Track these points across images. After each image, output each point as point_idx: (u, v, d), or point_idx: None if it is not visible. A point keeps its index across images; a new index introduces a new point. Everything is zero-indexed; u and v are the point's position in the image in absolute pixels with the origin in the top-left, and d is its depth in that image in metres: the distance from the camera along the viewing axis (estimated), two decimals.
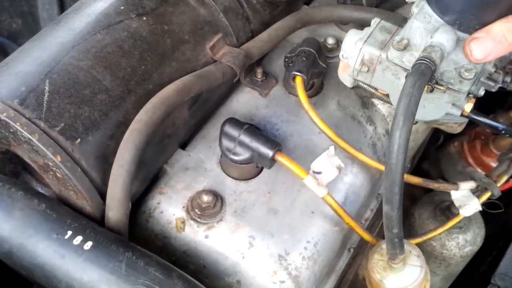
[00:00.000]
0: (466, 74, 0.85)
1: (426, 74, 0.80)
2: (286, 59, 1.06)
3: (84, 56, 0.85)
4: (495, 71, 0.93)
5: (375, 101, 1.14)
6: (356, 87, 1.09)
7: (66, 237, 0.76)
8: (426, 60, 0.81)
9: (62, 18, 0.93)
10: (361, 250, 1.19)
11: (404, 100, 0.78)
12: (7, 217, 0.78)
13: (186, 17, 0.97)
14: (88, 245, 0.75)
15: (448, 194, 1.31)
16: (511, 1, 0.83)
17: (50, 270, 0.76)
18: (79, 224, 0.78)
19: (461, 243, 1.28)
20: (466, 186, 1.12)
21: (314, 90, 1.10)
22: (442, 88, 0.85)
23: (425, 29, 0.89)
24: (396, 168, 0.79)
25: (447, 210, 1.26)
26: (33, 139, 0.77)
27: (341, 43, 1.03)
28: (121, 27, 0.90)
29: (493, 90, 0.95)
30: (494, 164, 1.41)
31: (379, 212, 1.19)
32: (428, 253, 1.29)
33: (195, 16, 0.98)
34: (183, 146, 1.03)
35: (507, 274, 1.43)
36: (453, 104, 0.94)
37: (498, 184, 1.11)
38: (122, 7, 0.92)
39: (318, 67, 1.05)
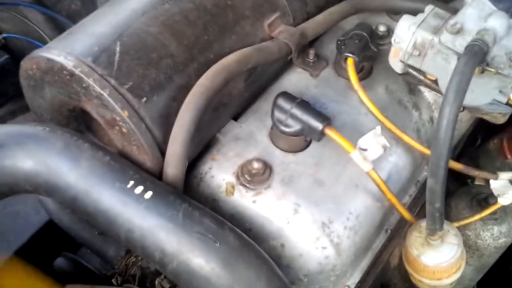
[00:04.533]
0: None
1: (478, 55, 0.83)
2: (339, 42, 1.10)
3: (153, 23, 0.91)
4: None
5: (422, 88, 1.17)
6: (404, 74, 1.13)
7: (128, 186, 0.82)
8: (479, 42, 0.84)
9: None
10: (397, 234, 1.22)
11: (456, 78, 0.81)
12: (74, 165, 0.84)
13: None
14: (148, 194, 0.81)
15: (485, 187, 1.34)
16: None
17: (113, 216, 0.81)
18: (140, 176, 0.83)
19: (495, 234, 1.29)
20: (506, 176, 1.14)
21: (364, 74, 1.13)
22: (492, 70, 0.88)
23: (479, 16, 0.92)
24: (443, 142, 0.82)
25: (484, 201, 1.27)
26: (104, 93, 0.83)
27: (392, 31, 1.07)
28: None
29: None
30: None
31: (416, 199, 1.22)
32: (463, 242, 1.31)
33: None
34: (235, 118, 1.08)
35: None
36: (500, 91, 0.97)
37: None
38: None
39: (370, 51, 1.09)
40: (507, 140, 1.47)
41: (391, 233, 1.17)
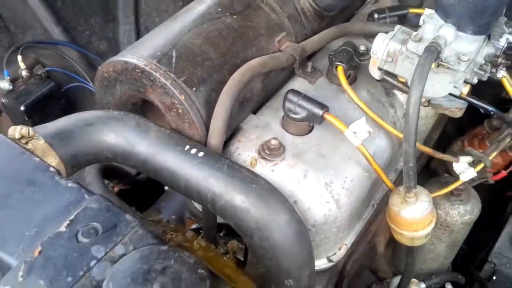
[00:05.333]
0: (463, 57, 1.22)
1: (434, 52, 1.17)
2: (330, 56, 1.44)
3: (197, 37, 1.24)
4: (484, 63, 1.31)
5: (396, 91, 1.51)
6: (381, 80, 1.46)
7: (186, 149, 1.12)
8: (434, 44, 1.18)
9: (178, 15, 1.33)
10: (382, 211, 1.52)
11: (419, 68, 1.15)
12: (144, 136, 1.14)
13: (262, 18, 1.36)
14: (201, 154, 1.11)
15: (450, 177, 1.66)
16: (492, 9, 1.21)
17: (174, 171, 1.11)
18: (193, 143, 1.14)
19: (461, 212, 1.60)
20: (465, 160, 1.47)
21: (350, 80, 1.46)
22: (445, 64, 1.22)
23: (434, 28, 1.27)
24: (412, 116, 1.14)
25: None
26: (167, 83, 1.14)
27: (369, 50, 1.40)
28: (220, 21, 1.30)
29: (484, 79, 1.32)
30: None
31: (395, 185, 1.53)
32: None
33: (268, 19, 1.38)
34: (253, 113, 1.39)
35: (501, 253, 1.76)
36: (454, 86, 1.30)
37: (490, 158, 1.46)
38: (219, 9, 1.32)
39: (354, 62, 1.43)
40: (467, 141, 1.80)
41: (377, 208, 1.48)
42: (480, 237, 1.82)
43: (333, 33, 1.50)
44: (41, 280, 0.82)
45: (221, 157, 1.12)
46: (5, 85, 1.95)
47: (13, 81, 1.99)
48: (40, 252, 0.85)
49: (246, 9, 1.35)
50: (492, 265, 1.78)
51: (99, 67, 1.23)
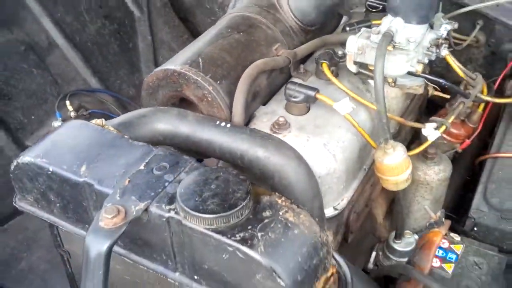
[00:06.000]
0: (411, 39, 1.67)
1: (388, 36, 1.61)
2: (316, 58, 1.88)
3: (215, 48, 1.70)
4: (430, 46, 1.75)
5: (370, 81, 1.93)
6: (358, 73, 1.89)
7: (217, 123, 1.53)
8: (388, 31, 1.63)
9: (197, 39, 1.79)
10: (373, 175, 1.91)
11: (379, 48, 1.59)
12: (184, 120, 1.54)
13: (261, 34, 1.82)
14: (228, 125, 1.52)
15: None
16: (428, 3, 1.67)
17: (210, 140, 1.50)
18: (222, 120, 1.55)
19: (436, 171, 1.99)
20: (430, 126, 1.87)
21: (333, 75, 1.89)
22: (398, 45, 1.66)
23: (388, 23, 1.71)
24: (379, 80, 1.57)
25: (425, 152, 1.99)
26: (198, 79, 1.58)
27: (345, 54, 1.85)
28: (231, 37, 1.76)
29: (432, 58, 1.76)
30: (453, 129, 2.17)
31: None
32: (416, 181, 2.00)
33: (266, 34, 1.84)
34: (262, 105, 1.82)
35: (479, 208, 2.11)
36: (411, 65, 1.73)
37: (449, 121, 1.87)
38: (229, 30, 1.79)
39: (335, 60, 1.87)
40: None
41: (368, 172, 1.87)
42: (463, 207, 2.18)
43: (317, 42, 1.95)
44: (133, 196, 1.21)
45: (243, 126, 1.54)
46: (58, 124, 2.41)
47: (64, 121, 2.44)
48: (129, 181, 1.24)
49: (249, 29, 1.81)
50: (473, 219, 2.13)
51: (144, 79, 1.67)
